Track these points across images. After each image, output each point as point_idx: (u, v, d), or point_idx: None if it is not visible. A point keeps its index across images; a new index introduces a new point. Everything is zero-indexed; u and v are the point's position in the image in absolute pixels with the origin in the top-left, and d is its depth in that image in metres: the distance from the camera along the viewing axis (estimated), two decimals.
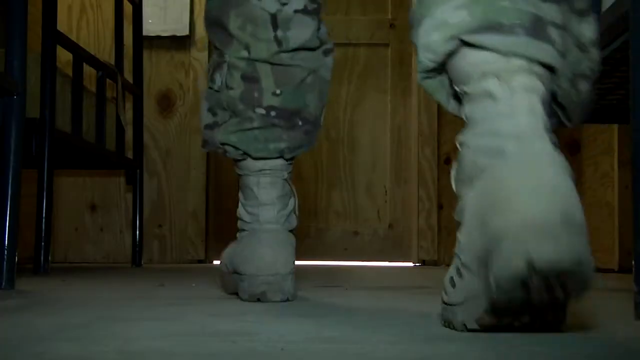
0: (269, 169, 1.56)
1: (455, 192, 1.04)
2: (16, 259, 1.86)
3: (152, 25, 4.04)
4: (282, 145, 1.54)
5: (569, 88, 1.10)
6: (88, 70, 3.10)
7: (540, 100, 1.02)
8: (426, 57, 1.08)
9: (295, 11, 1.53)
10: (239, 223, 1.61)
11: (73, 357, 0.82)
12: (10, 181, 1.85)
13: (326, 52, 1.59)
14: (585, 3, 1.11)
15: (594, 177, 3.74)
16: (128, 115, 3.69)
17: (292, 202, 1.58)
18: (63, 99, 2.80)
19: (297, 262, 1.57)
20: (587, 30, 1.10)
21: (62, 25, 3.64)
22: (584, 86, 1.13)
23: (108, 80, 3.22)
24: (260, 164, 1.56)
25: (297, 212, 1.60)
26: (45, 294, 1.72)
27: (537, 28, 1.02)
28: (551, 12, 1.04)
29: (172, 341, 0.94)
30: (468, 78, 1.04)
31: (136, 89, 3.65)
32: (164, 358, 0.82)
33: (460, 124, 1.08)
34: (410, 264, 4.14)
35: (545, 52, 1.03)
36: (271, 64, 1.53)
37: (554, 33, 1.04)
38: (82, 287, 2.01)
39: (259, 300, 1.52)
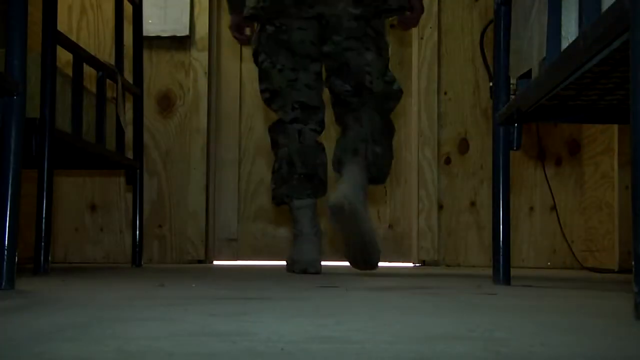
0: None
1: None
2: (16, 259, 1.86)
3: (152, 25, 4.05)
4: None
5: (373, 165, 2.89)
6: (88, 70, 3.10)
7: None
8: None
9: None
10: None
11: (73, 357, 0.82)
12: (10, 181, 1.85)
13: None
14: (378, 137, 2.90)
15: (594, 177, 3.74)
16: (128, 115, 3.70)
17: None
18: (63, 99, 2.80)
19: None
20: (379, 148, 2.90)
21: (62, 25, 3.64)
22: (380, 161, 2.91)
23: (108, 80, 3.22)
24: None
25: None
26: (45, 294, 1.72)
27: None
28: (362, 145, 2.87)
29: (172, 341, 0.94)
30: None
31: (136, 89, 3.65)
32: (164, 358, 0.82)
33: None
34: (410, 264, 4.15)
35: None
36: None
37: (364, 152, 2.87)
38: (82, 287, 2.01)
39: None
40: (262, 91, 3.00)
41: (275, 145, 2.98)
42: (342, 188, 2.70)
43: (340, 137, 2.95)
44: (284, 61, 2.91)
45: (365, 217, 2.69)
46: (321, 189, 2.93)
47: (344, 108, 2.95)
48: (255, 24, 3.01)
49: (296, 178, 2.88)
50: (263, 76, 2.98)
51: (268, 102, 3.00)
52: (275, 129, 2.99)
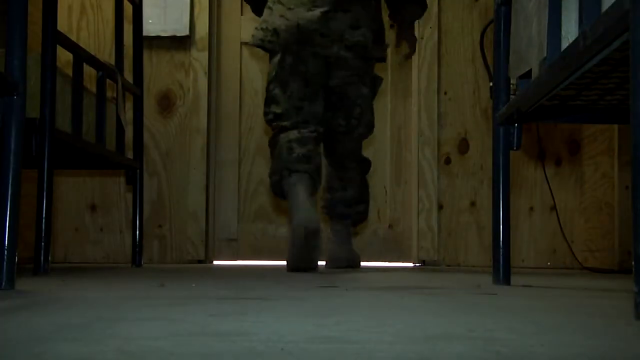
0: None
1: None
2: (16, 259, 1.86)
3: (152, 25, 4.04)
4: None
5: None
6: (88, 70, 3.10)
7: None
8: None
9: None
10: None
11: (73, 357, 0.82)
12: (10, 181, 1.85)
13: None
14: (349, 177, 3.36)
15: (594, 177, 3.74)
16: (128, 115, 3.69)
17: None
18: (63, 99, 2.80)
19: None
20: (361, 207, 3.39)
21: (62, 25, 3.64)
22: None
23: (108, 80, 3.22)
24: None
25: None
26: (45, 294, 1.72)
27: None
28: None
29: (172, 341, 0.94)
30: None
31: (136, 89, 3.65)
32: (164, 358, 0.82)
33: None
34: (410, 264, 4.15)
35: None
36: None
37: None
38: (82, 287, 2.01)
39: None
40: (265, 113, 3.21)
41: (274, 145, 3.17)
42: (333, 248, 3.35)
43: (327, 191, 3.36)
44: (293, 89, 3.16)
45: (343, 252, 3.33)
46: (316, 176, 3.08)
47: (332, 146, 3.30)
48: (278, 55, 3.18)
49: (294, 157, 3.06)
50: (270, 101, 3.20)
51: (270, 121, 3.20)
52: (275, 135, 3.20)
